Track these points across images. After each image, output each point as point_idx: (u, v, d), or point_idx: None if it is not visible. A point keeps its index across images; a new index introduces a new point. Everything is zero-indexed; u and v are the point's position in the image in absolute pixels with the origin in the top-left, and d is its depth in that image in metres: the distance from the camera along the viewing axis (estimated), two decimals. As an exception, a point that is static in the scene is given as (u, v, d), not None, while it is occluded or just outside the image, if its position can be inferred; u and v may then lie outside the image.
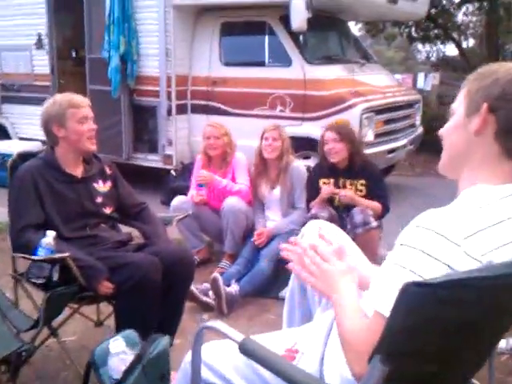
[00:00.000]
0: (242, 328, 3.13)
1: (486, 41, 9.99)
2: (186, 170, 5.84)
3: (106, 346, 1.41)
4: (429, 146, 8.23)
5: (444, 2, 9.76)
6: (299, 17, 5.09)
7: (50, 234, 2.34)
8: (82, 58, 6.65)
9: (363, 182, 3.66)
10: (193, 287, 3.23)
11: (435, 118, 9.35)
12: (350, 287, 1.36)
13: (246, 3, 5.75)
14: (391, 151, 5.81)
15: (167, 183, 5.88)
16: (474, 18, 13.66)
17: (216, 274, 3.29)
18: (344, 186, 3.69)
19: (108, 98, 6.04)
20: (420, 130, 6.92)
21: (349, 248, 1.75)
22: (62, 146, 2.56)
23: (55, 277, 2.33)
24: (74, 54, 6.83)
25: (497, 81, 1.23)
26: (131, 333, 1.51)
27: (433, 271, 1.11)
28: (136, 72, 6.07)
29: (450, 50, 15.49)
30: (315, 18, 5.24)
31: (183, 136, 6.21)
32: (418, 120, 6.82)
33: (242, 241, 3.96)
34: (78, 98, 2.56)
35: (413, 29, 10.07)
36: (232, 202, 3.92)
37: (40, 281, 2.33)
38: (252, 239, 3.79)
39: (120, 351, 1.38)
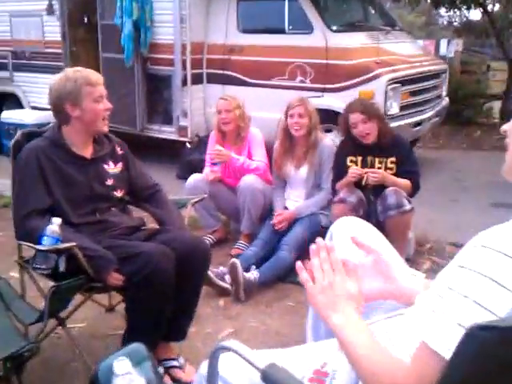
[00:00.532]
0: (261, 315, 3.00)
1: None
2: (202, 142, 5.62)
3: (110, 363, 1.24)
4: (453, 116, 7.98)
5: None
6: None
7: (56, 221, 2.17)
8: (94, 24, 6.40)
9: (393, 159, 3.41)
10: (209, 271, 3.08)
11: (459, 87, 9.02)
12: (354, 314, 1.17)
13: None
14: (417, 124, 5.55)
15: (183, 156, 5.69)
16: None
17: (235, 260, 3.11)
18: (372, 165, 3.45)
19: (121, 67, 5.83)
20: (446, 100, 6.63)
21: (386, 252, 1.56)
22: (73, 126, 2.36)
23: (62, 267, 2.18)
24: (86, 20, 6.56)
25: None
26: (138, 347, 1.34)
27: (503, 303, 0.91)
28: (150, 39, 5.83)
29: (474, 14, 14.92)
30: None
31: (198, 107, 5.98)
32: (444, 90, 6.53)
33: (259, 220, 3.79)
34: (94, 75, 2.36)
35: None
36: (249, 180, 3.72)
37: (46, 272, 2.17)
38: (271, 221, 3.60)
39: (125, 372, 1.21)
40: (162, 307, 2.24)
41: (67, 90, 2.28)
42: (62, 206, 2.32)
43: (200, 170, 4.12)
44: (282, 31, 5.41)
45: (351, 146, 3.51)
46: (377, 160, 3.44)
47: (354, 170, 3.37)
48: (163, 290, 2.19)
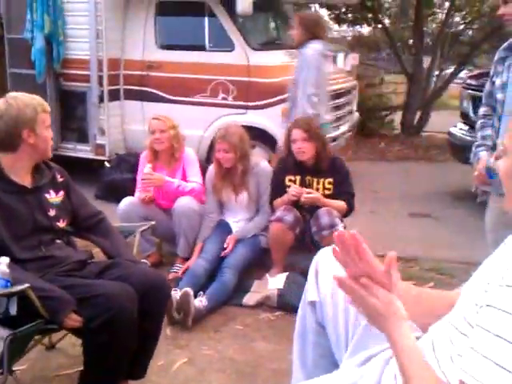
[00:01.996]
0: (211, 342, 2.96)
1: (413, 24, 10.08)
2: (123, 161, 5.48)
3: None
4: (358, 129, 8.34)
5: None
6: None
7: (4, 261, 2.01)
8: (-2, 37, 6.01)
9: (331, 180, 3.51)
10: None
11: (363, 100, 9.44)
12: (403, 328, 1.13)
13: (182, -18, 5.40)
14: (334, 139, 5.72)
15: (102, 176, 5.47)
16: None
17: (187, 290, 3.02)
18: (311, 185, 3.52)
19: (32, 83, 5.49)
20: (356, 115, 6.92)
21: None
22: (20, 153, 2.21)
23: (13, 311, 2.01)
24: (-13, 33, 6.14)
25: None
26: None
27: None
28: (63, 54, 5.58)
29: (364, 29, 15.70)
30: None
31: (116, 124, 5.79)
32: (355, 105, 6.81)
33: (195, 242, 3.73)
34: (45, 102, 2.29)
35: (342, 10, 10.04)
36: (185, 203, 3.66)
37: (-2, 316, 2.00)
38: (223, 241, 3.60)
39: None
40: (124, 349, 2.13)
41: (27, 116, 2.16)
42: (5, 241, 2.15)
43: (122, 190, 4.00)
44: (202, 48, 5.39)
45: (291, 163, 3.56)
46: (315, 180, 3.52)
47: (295, 190, 3.43)
48: (127, 331, 2.08)
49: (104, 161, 5.65)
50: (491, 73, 2.57)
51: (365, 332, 1.49)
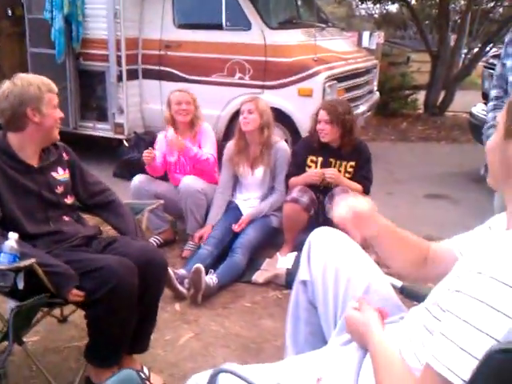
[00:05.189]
0: (219, 318, 3.01)
1: (438, 1, 9.88)
2: (140, 139, 5.54)
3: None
4: (380, 109, 8.25)
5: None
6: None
7: (12, 237, 2.08)
8: (19, 17, 6.08)
9: (353, 163, 3.52)
10: (171, 272, 3.05)
11: (386, 79, 9.32)
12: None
13: (199, -40, 5.37)
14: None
15: (120, 155, 5.55)
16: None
17: (199, 266, 3.07)
18: (332, 166, 3.54)
19: (52, 63, 5.59)
20: (376, 95, 6.85)
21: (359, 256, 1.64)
22: (27, 133, 2.27)
23: (20, 285, 2.07)
24: (9, 13, 6.22)
25: None
26: (131, 375, 1.31)
27: (499, 327, 0.97)
28: (82, 34, 5.63)
29: (392, 6, 15.40)
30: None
31: (135, 103, 5.85)
32: (375, 85, 6.74)
33: (204, 220, 3.77)
34: (51, 82, 2.32)
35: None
36: (188, 182, 3.70)
37: (5, 290, 2.07)
38: (227, 223, 3.62)
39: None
40: (126, 321, 2.21)
41: (31, 94, 2.21)
42: (16, 215, 2.23)
43: (139, 168, 4.03)
44: (219, 27, 5.37)
45: (315, 144, 3.57)
46: (337, 163, 3.54)
47: (316, 173, 3.44)
48: (127, 304, 2.15)
49: (122, 139, 5.72)
50: (502, 55, 2.52)
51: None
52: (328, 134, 3.48)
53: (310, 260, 1.74)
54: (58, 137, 2.40)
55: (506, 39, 2.49)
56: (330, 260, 1.66)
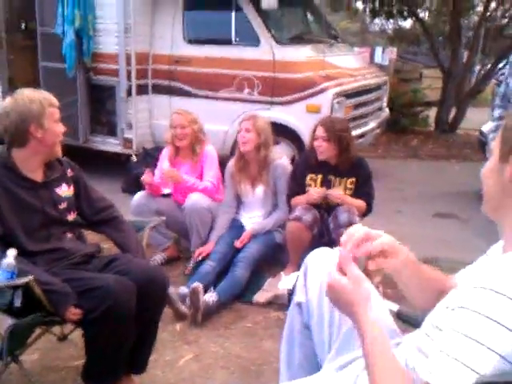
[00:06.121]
0: (220, 338, 2.98)
1: (449, 18, 9.88)
2: (148, 155, 5.55)
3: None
4: (390, 125, 8.22)
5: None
6: (270, -6, 4.80)
7: (11, 254, 2.07)
8: (32, 30, 6.15)
9: (353, 180, 3.48)
10: (172, 291, 3.03)
11: (397, 96, 9.28)
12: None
13: (209, -24, 5.41)
14: (361, 136, 5.66)
15: (128, 170, 5.56)
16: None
17: (197, 285, 3.05)
18: (333, 185, 3.50)
19: (63, 77, 5.63)
20: (386, 111, 6.82)
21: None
22: (29, 148, 2.27)
23: (18, 302, 2.07)
24: (23, 27, 6.30)
25: None
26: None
27: (505, 343, 0.96)
28: (92, 49, 5.67)
29: (405, 22, 15.41)
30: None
31: (144, 119, 5.88)
32: (384, 102, 6.71)
33: (207, 238, 3.74)
34: (53, 97, 2.31)
35: (377, 4, 9.88)
36: (195, 199, 3.67)
37: (2, 307, 2.06)
38: (231, 240, 3.60)
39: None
40: (123, 341, 2.18)
41: (33, 111, 2.21)
42: (17, 232, 2.23)
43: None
44: (228, 43, 5.40)
45: (314, 162, 3.54)
46: (337, 180, 3.50)
47: (317, 193, 3.41)
48: (124, 323, 2.13)
49: (131, 154, 5.73)
50: (506, 73, 2.49)
51: (347, 336, 1.49)
52: (324, 151, 3.44)
53: (306, 281, 1.71)
54: (60, 153, 2.40)
55: (511, 58, 2.46)
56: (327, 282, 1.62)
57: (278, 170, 3.66)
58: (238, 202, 3.82)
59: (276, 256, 3.71)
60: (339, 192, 3.43)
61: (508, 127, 1.20)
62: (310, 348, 1.67)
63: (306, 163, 3.63)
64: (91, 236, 2.79)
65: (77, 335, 2.74)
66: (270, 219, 3.68)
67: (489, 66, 10.61)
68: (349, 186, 3.49)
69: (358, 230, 1.32)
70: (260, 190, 3.67)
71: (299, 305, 1.73)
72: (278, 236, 3.64)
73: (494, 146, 1.24)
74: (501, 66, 9.78)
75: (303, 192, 3.52)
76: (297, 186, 3.58)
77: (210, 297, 3.11)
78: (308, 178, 3.55)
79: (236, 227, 3.72)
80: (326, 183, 3.51)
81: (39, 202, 2.31)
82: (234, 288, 3.30)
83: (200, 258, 3.56)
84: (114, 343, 2.15)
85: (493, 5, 9.99)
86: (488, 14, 9.95)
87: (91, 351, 2.22)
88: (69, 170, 2.49)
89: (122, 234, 2.56)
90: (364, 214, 3.49)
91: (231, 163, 3.79)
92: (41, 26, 5.92)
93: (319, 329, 1.62)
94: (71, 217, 2.44)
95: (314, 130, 3.53)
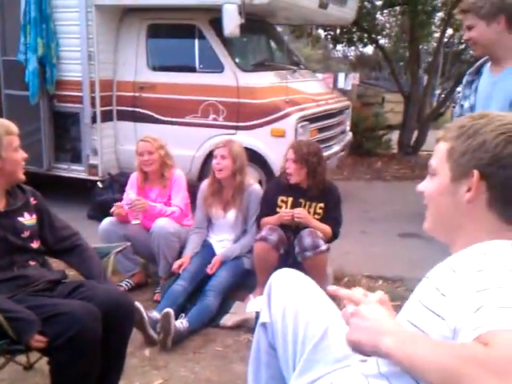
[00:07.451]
0: (189, 363, 2.95)
1: (408, 44, 10.20)
2: (114, 181, 5.52)
3: None
4: (355, 149, 8.37)
5: (368, 5, 9.89)
6: (232, 22, 4.88)
7: (-28, 282, 2.04)
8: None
9: (322, 205, 3.53)
10: (145, 315, 3.01)
11: (360, 120, 9.49)
12: (400, 326, 1.15)
13: (172, 5, 5.44)
14: (326, 159, 5.74)
15: (94, 196, 5.51)
16: (391, 19, 14.01)
17: (168, 311, 3.02)
18: (304, 207, 3.53)
19: (26, 104, 5.59)
20: (349, 135, 6.95)
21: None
22: None
23: (-20, 331, 2.03)
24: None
25: (484, 143, 1.15)
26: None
27: None
28: (56, 76, 5.66)
29: (367, 48, 15.84)
30: (245, 22, 5.04)
31: (109, 145, 5.86)
32: (348, 126, 6.85)
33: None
34: (11, 124, 2.30)
35: (337, 31, 10.14)
36: (161, 224, 3.65)
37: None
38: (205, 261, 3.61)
39: None
40: (89, 368, 2.14)
41: None
42: None
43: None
44: (193, 70, 5.48)
45: (285, 185, 3.58)
46: (307, 203, 3.54)
47: (287, 213, 3.45)
48: (90, 350, 2.10)
49: (96, 181, 5.69)
50: (460, 97, 2.60)
51: (311, 354, 1.50)
52: (293, 173, 3.49)
53: (270, 302, 1.73)
54: (24, 177, 2.38)
55: (464, 81, 2.57)
56: (290, 302, 1.65)
57: (252, 195, 3.68)
58: (208, 223, 3.83)
59: (245, 281, 3.71)
60: (304, 212, 3.47)
61: (453, 137, 1.21)
62: (277, 368, 1.68)
63: (278, 185, 3.67)
64: (56, 263, 2.75)
65: (43, 363, 2.69)
66: (238, 244, 3.69)
67: (448, 89, 10.98)
68: (318, 210, 3.53)
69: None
70: (232, 214, 3.69)
71: (264, 325, 1.74)
72: (247, 261, 3.65)
73: (438, 166, 1.24)
74: (459, 89, 10.13)
75: (273, 213, 3.55)
76: (267, 207, 3.61)
77: (181, 323, 3.09)
78: (279, 199, 3.58)
79: (206, 248, 3.73)
80: (297, 206, 3.54)
81: (1, 230, 2.28)
82: (204, 316, 3.29)
83: (181, 271, 3.54)
84: (81, 370, 2.11)
85: (449, 31, 10.36)
86: (445, 39, 10.30)
87: (57, 380, 2.17)
88: (32, 199, 2.47)
89: (84, 261, 2.53)
90: (330, 239, 3.53)
91: (204, 185, 3.79)
92: (3, 54, 5.88)
93: (284, 348, 1.63)
94: (35, 245, 2.42)
95: (286, 154, 3.58)
